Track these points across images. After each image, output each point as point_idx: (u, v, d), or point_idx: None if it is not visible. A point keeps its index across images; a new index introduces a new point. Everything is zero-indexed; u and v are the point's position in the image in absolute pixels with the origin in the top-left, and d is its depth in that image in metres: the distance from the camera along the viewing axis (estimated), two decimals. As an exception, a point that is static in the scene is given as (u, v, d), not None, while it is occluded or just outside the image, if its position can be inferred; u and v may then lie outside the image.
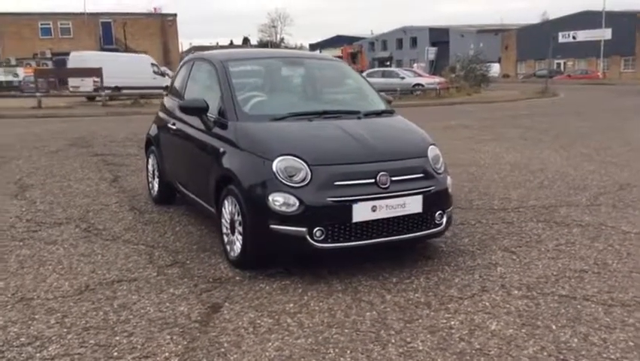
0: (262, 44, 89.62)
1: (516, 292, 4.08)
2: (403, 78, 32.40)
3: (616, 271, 4.47)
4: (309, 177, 4.11)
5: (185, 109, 4.98)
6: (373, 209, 4.16)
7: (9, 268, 4.54)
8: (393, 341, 3.37)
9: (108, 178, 8.17)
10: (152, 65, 32.58)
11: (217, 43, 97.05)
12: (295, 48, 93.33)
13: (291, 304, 3.86)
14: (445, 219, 4.59)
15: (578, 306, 3.84)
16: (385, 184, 4.23)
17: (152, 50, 56.19)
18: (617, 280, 4.27)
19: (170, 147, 5.95)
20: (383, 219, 4.24)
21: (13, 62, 51.31)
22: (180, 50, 62.34)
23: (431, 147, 4.71)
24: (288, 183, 4.09)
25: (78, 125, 16.05)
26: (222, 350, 3.25)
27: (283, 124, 4.65)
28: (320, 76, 5.75)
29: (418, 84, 32.06)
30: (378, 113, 5.21)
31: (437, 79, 34.00)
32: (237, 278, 4.32)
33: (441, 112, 20.47)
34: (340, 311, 3.75)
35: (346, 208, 4.09)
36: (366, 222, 4.19)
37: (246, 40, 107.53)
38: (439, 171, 4.62)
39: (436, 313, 3.72)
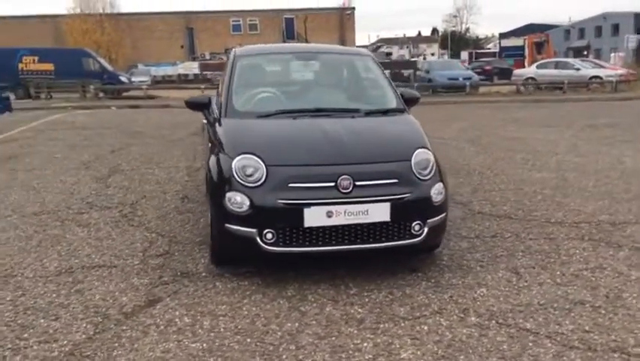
0: (444, 35, 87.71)
1: (472, 318, 3.61)
2: (578, 70, 29.68)
3: (623, 309, 3.72)
4: (264, 177, 3.99)
5: (189, 104, 5.09)
6: (329, 214, 3.92)
7: (26, 246, 5.02)
8: (284, 356, 3.17)
9: (193, 167, 8.62)
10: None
11: (404, 35, 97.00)
12: (483, 39, 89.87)
13: (224, 306, 3.80)
14: (425, 231, 4.16)
15: (529, 344, 3.28)
16: (347, 189, 3.96)
17: (330, 44, 57.82)
18: (611, 322, 3.56)
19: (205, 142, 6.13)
20: (342, 225, 3.97)
21: (207, 57, 56.25)
22: (356, 44, 63.34)
23: (419, 150, 4.29)
24: (243, 183, 4.01)
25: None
26: (115, 345, 3.31)
27: (264, 122, 4.56)
28: (332, 71, 5.52)
29: (596, 76, 29.12)
30: (384, 112, 4.88)
31: (620, 70, 30.58)
32: (203, 275, 4.35)
33: (600, 108, 18.44)
34: (264, 319, 3.62)
35: (297, 212, 3.91)
36: (321, 228, 3.96)
37: (434, 31, 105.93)
38: (424, 178, 4.20)
39: (358, 333, 3.43)
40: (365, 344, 3.29)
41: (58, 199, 6.68)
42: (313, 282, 4.15)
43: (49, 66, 29.16)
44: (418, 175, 4.18)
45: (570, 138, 11.42)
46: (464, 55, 59.17)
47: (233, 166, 4.08)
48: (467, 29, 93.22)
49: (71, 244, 5.07)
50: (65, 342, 3.33)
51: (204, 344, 3.29)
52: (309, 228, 3.94)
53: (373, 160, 4.15)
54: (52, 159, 9.41)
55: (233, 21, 59.26)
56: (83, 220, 5.82)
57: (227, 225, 4.06)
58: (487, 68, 34.64)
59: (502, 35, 72.20)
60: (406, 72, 27.99)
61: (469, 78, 26.11)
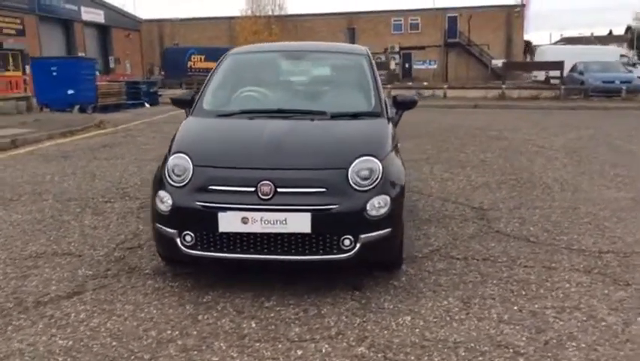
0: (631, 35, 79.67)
1: (361, 349, 3.22)
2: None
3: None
4: (189, 177, 3.91)
5: (174, 101, 5.13)
6: (244, 221, 3.73)
7: (29, 229, 5.42)
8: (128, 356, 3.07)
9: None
10: (622, 56, 31.79)
11: (591, 34, 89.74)
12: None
13: (129, 306, 3.77)
14: (357, 247, 3.79)
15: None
16: (267, 195, 3.74)
17: (494, 43, 55.61)
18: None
19: None
20: (257, 233, 3.76)
21: (367, 56, 56.84)
22: (524, 42, 59.88)
23: (362, 158, 3.90)
24: (171, 182, 3.96)
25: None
26: (-5, 332, 3.42)
27: (219, 121, 4.48)
28: (316, 71, 5.22)
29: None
30: (353, 115, 4.52)
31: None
32: (145, 272, 4.37)
33: None
34: (152, 323, 3.53)
35: (212, 216, 3.76)
36: (238, 235, 3.78)
37: (628, 30, 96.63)
38: (361, 188, 3.82)
39: (226, 349, 3.22)
40: (214, 358, 3.07)
41: (102, 187, 7.12)
42: (241, 290, 3.98)
43: (213, 65, 31.28)
44: (354, 185, 3.81)
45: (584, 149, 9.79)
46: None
47: (167, 165, 4.04)
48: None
49: (67, 231, 5.36)
50: (-38, 326, 3.50)
51: (70, 342, 3.28)
52: (225, 233, 3.77)
53: (301, 167, 3.86)
54: (139, 150, 10.07)
55: (394, 20, 59.08)
56: (101, 209, 6.14)
57: (156, 224, 4.04)
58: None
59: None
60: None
61: (629, 82, 23.42)
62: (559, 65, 24.06)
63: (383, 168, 3.93)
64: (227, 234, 3.78)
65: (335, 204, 3.73)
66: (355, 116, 4.51)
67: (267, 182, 3.73)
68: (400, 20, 59.18)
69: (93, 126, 13.42)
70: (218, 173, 3.86)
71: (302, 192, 3.75)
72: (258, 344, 3.26)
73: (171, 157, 4.04)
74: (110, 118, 15.86)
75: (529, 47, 62.51)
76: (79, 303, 3.81)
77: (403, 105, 4.91)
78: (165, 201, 3.92)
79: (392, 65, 51.54)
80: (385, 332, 3.40)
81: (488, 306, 3.75)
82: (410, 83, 40.25)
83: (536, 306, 3.75)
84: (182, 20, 58.37)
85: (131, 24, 51.95)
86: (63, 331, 3.42)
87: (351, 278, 4.13)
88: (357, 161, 3.88)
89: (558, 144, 10.94)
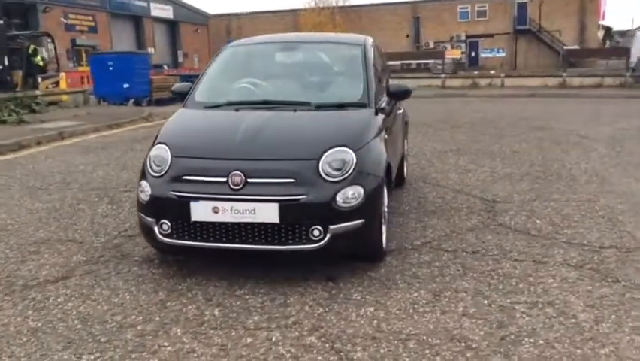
0: None
1: (311, 338, 3.23)
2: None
3: (505, 358, 3.03)
4: (167, 167, 4.03)
5: (173, 92, 5.25)
6: (215, 210, 3.81)
7: (44, 216, 5.71)
8: (83, 347, 3.21)
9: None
10: None
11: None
12: None
13: (106, 292, 3.91)
14: (327, 238, 3.80)
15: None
16: (238, 185, 3.81)
17: (566, 29, 53.48)
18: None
19: None
20: (229, 223, 3.83)
21: (431, 45, 55.95)
22: (599, 30, 57.14)
23: (335, 149, 3.89)
24: (151, 172, 4.10)
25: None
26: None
27: (205, 113, 4.58)
28: (309, 62, 5.20)
29: None
30: (338, 106, 4.51)
31: None
32: (135, 258, 4.53)
33: None
34: (121, 308, 3.66)
35: (185, 205, 3.87)
36: (210, 224, 3.87)
37: None
38: (332, 179, 3.82)
39: (181, 336, 3.31)
40: (169, 348, 3.16)
41: (127, 177, 7.40)
42: (218, 278, 4.06)
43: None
44: (324, 176, 3.82)
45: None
46: None
47: (149, 155, 4.17)
48: None
49: (79, 219, 5.61)
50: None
51: (39, 324, 3.45)
52: (198, 222, 3.87)
53: (272, 157, 3.89)
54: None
55: (460, 8, 57.74)
56: (118, 198, 6.38)
57: (139, 212, 4.18)
58: None
59: None
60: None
61: None
62: (624, 52, 22.87)
63: (357, 159, 3.90)
64: (200, 223, 3.86)
65: (303, 195, 3.75)
66: (340, 106, 4.49)
67: (238, 172, 3.79)
68: (467, 8, 57.74)
69: (140, 119, 13.89)
70: (192, 163, 3.95)
71: (271, 183, 3.79)
72: (212, 331, 3.32)
73: (153, 148, 4.17)
74: (160, 111, 16.35)
75: (608, 33, 59.76)
76: (62, 287, 3.99)
77: (395, 95, 4.85)
78: (145, 190, 4.05)
79: (456, 54, 50.44)
80: (343, 322, 3.40)
81: (458, 299, 3.68)
82: (476, 72, 39.36)
83: (508, 301, 3.64)
84: (247, 14, 59.30)
85: (199, 19, 53.25)
86: (38, 313, 3.60)
87: (328, 269, 4.12)
88: (329, 151, 3.87)
89: (604, 134, 10.46)
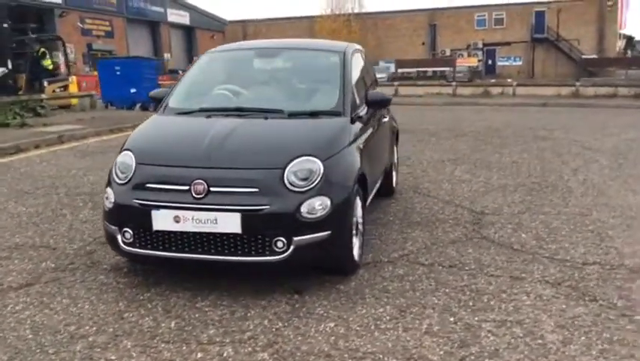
0: None
1: (263, 355, 3.13)
2: None
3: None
4: (131, 174, 3.95)
5: (151, 97, 5.19)
6: (176, 219, 3.72)
7: (24, 220, 5.66)
8: (29, 358, 3.13)
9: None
10: None
11: None
12: None
13: (66, 300, 3.84)
14: (290, 249, 3.69)
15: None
16: (200, 194, 3.71)
17: (585, 38, 52.97)
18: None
19: None
20: (190, 233, 3.74)
21: (448, 53, 55.65)
22: (620, 39, 56.45)
23: (301, 159, 3.78)
24: (116, 179, 4.03)
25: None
26: None
27: (175, 119, 4.52)
28: (287, 69, 5.10)
29: None
30: (311, 114, 4.40)
31: None
32: (104, 266, 4.45)
33: None
34: (77, 318, 3.58)
35: (146, 213, 3.78)
36: (172, 233, 3.78)
37: None
38: (297, 189, 3.71)
39: (130, 348, 3.22)
40: (112, 357, 3.07)
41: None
42: (183, 289, 3.96)
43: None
44: (289, 186, 3.71)
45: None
46: None
47: (115, 161, 4.10)
48: None
49: (58, 224, 5.56)
50: None
51: (-19, 332, 3.38)
52: (160, 231, 3.78)
53: (235, 166, 3.79)
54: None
55: (477, 16, 57.43)
56: (102, 204, 6.28)
57: (104, 220, 4.11)
58: None
59: None
60: None
61: None
62: (638, 61, 22.47)
63: (325, 168, 3.79)
64: (162, 232, 3.78)
65: (266, 205, 3.64)
66: (314, 114, 4.38)
67: (201, 181, 3.70)
68: (484, 16, 57.42)
69: (144, 124, 13.90)
70: (155, 171, 3.87)
71: (233, 192, 3.69)
72: (163, 345, 3.22)
73: (120, 155, 4.09)
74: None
75: (630, 42, 59.07)
76: (23, 295, 3.92)
77: (374, 104, 4.73)
78: (109, 197, 3.98)
79: (473, 62, 50.12)
80: (300, 338, 3.28)
81: (424, 316, 3.54)
82: (493, 80, 39.02)
83: (476, 319, 3.50)
84: (264, 20, 59.51)
85: (216, 25, 53.48)
86: (-9, 322, 3.53)
87: (297, 281, 4.00)
88: (295, 161, 3.77)
89: (608, 145, 10.22)
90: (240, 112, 4.43)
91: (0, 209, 6.15)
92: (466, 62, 50.97)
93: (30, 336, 3.34)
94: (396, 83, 27.37)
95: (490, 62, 55.77)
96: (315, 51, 5.34)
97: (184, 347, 3.20)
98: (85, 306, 3.74)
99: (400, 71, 46.88)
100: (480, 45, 55.73)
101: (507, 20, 56.46)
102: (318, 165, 3.78)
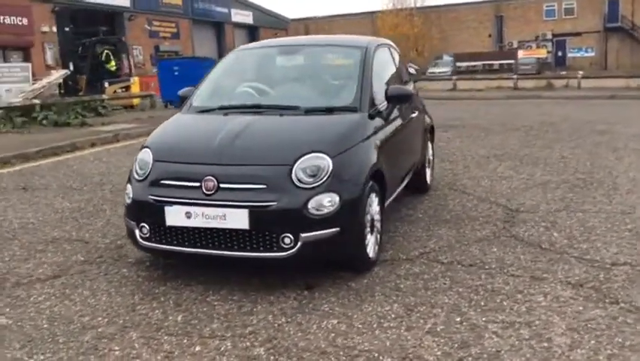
0: None
1: (259, 350, 3.16)
2: None
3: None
4: (148, 171, 4.08)
5: (180, 97, 5.31)
6: (187, 215, 3.81)
7: (68, 216, 5.92)
8: (33, 349, 3.29)
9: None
10: None
11: None
12: None
13: (87, 292, 4.00)
14: (298, 246, 3.71)
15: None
16: (210, 190, 3.79)
17: (662, 26, 50.35)
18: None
19: None
20: (201, 228, 3.82)
21: (515, 45, 54.04)
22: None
23: (310, 155, 3.79)
24: (135, 176, 4.16)
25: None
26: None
27: (195, 117, 4.61)
28: (308, 66, 5.08)
29: None
30: (327, 110, 4.39)
31: None
32: (129, 260, 4.60)
33: None
34: (92, 310, 3.72)
35: (160, 209, 3.89)
36: (184, 229, 3.87)
37: None
38: (305, 186, 3.72)
39: (138, 340, 3.33)
40: (117, 352, 3.18)
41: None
42: (197, 283, 4.04)
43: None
44: (298, 182, 3.73)
45: None
46: None
47: (136, 159, 4.24)
48: None
49: (96, 219, 5.78)
50: None
51: (10, 321, 3.57)
52: (173, 227, 3.88)
53: (244, 162, 3.84)
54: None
55: (546, 6, 55.50)
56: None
57: (124, 215, 4.25)
58: None
59: None
60: None
61: None
62: None
63: (334, 165, 3.78)
64: (175, 227, 3.86)
65: (274, 201, 3.67)
66: (330, 110, 4.36)
67: (211, 177, 3.77)
68: (553, 5, 55.46)
69: (198, 122, 14.24)
70: (170, 168, 3.97)
71: (242, 188, 3.74)
72: (166, 337, 3.30)
73: (140, 152, 4.22)
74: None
75: None
76: (48, 286, 4.11)
77: (393, 99, 4.67)
78: (128, 193, 4.11)
79: (542, 54, 48.44)
80: (299, 335, 3.29)
81: (430, 315, 3.48)
82: (564, 73, 37.65)
83: (483, 319, 3.40)
84: (325, 18, 59.65)
85: (279, 23, 54.00)
86: (14, 311, 3.72)
87: (311, 277, 4.01)
88: (304, 158, 3.78)
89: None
90: (257, 109, 4.46)
91: (46, 204, 6.43)
92: (534, 54, 49.32)
93: (45, 326, 3.49)
94: (454, 77, 26.84)
95: (560, 53, 53.90)
96: (337, 47, 5.31)
97: (185, 340, 3.26)
98: (102, 298, 3.88)
99: (459, 64, 45.81)
100: (549, 36, 53.92)
101: (578, 10, 54.32)
102: (326, 162, 3.77)
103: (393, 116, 4.82)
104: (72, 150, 10.32)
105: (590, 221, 5.23)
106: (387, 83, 5.04)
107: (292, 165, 3.74)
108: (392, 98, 4.65)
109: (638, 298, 3.60)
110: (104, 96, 17.20)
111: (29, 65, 17.10)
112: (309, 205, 3.67)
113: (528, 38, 53.60)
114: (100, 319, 3.57)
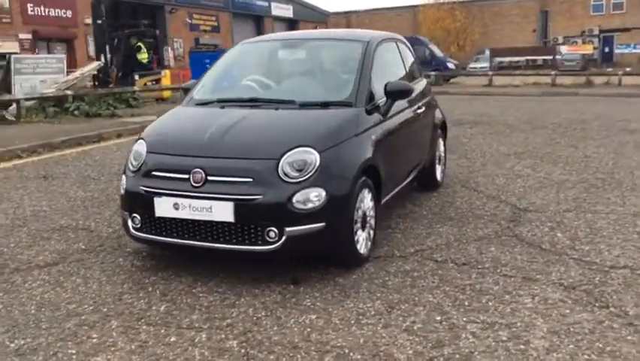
0: None
1: (232, 343, 3.18)
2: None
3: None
4: (142, 162, 4.14)
5: (183, 89, 5.37)
6: (175, 207, 3.85)
7: (79, 205, 6.06)
8: (23, 334, 3.37)
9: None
10: None
11: None
12: None
13: (79, 280, 4.08)
14: (282, 240, 3.71)
15: None
16: (198, 182, 3.83)
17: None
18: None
19: None
20: (187, 220, 3.86)
21: (560, 41, 52.72)
22: None
23: (297, 149, 3.78)
24: (130, 167, 4.23)
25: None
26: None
27: (191, 110, 4.66)
28: (308, 60, 5.04)
29: None
30: (323, 105, 4.37)
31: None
32: (127, 249, 4.68)
33: None
34: (79, 297, 3.79)
35: (150, 200, 3.95)
36: (172, 220, 3.92)
37: None
38: (292, 180, 3.72)
39: (121, 329, 3.39)
40: (95, 340, 3.23)
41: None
42: (187, 274, 4.08)
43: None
44: (284, 176, 3.73)
45: None
46: None
47: (131, 150, 4.30)
48: None
49: (105, 209, 5.89)
50: None
51: (0, 306, 3.67)
52: (161, 218, 3.93)
53: (232, 155, 3.85)
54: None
55: (594, 1, 53.94)
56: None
57: (120, 206, 4.33)
58: None
59: None
60: None
61: None
62: None
63: (322, 160, 3.76)
64: (163, 218, 3.91)
65: (259, 195, 3.68)
66: (325, 105, 4.34)
67: (199, 170, 3.80)
68: (601, 0, 53.81)
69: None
70: (161, 159, 4.02)
71: (229, 181, 3.76)
72: (145, 327, 3.35)
73: (136, 143, 4.28)
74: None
75: None
76: (44, 273, 4.21)
77: (392, 94, 4.61)
78: (123, 184, 4.18)
79: (588, 50, 47.12)
80: (275, 328, 3.30)
81: (410, 313, 3.44)
82: (610, 70, 36.57)
83: (464, 319, 3.34)
84: (367, 11, 59.33)
85: (319, 17, 53.94)
86: (7, 296, 3.83)
87: (299, 271, 4.01)
88: (291, 152, 3.77)
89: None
90: (253, 102, 4.47)
91: (62, 193, 6.59)
92: (580, 50, 48.00)
93: (33, 312, 3.58)
94: (490, 72, 26.35)
95: (607, 49, 52.30)
96: (339, 41, 5.28)
97: (162, 330, 3.30)
98: (93, 286, 3.95)
99: (500, 60, 44.92)
100: (596, 32, 52.42)
101: (627, 5, 52.66)
102: (314, 157, 3.75)
103: (394, 111, 4.76)
104: (98, 140, 10.54)
105: (598, 222, 5.08)
106: (391, 78, 4.98)
107: (279, 160, 3.73)
108: (391, 94, 4.59)
109: (630, 303, 3.48)
110: (135, 88, 17.52)
111: (64, 56, 17.51)
112: (294, 200, 3.66)
113: (574, 34, 52.21)
114: (86, 306, 3.64)
